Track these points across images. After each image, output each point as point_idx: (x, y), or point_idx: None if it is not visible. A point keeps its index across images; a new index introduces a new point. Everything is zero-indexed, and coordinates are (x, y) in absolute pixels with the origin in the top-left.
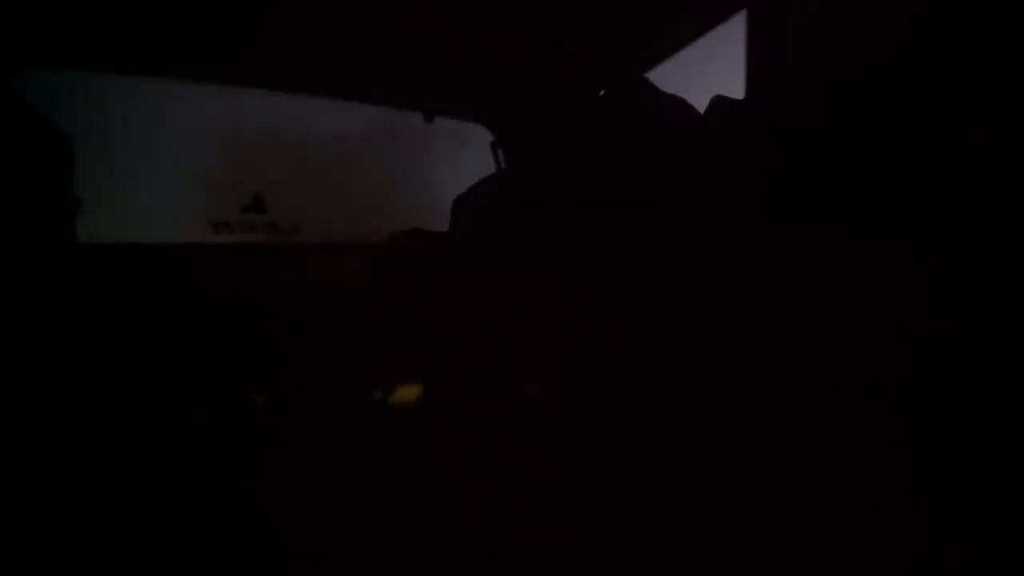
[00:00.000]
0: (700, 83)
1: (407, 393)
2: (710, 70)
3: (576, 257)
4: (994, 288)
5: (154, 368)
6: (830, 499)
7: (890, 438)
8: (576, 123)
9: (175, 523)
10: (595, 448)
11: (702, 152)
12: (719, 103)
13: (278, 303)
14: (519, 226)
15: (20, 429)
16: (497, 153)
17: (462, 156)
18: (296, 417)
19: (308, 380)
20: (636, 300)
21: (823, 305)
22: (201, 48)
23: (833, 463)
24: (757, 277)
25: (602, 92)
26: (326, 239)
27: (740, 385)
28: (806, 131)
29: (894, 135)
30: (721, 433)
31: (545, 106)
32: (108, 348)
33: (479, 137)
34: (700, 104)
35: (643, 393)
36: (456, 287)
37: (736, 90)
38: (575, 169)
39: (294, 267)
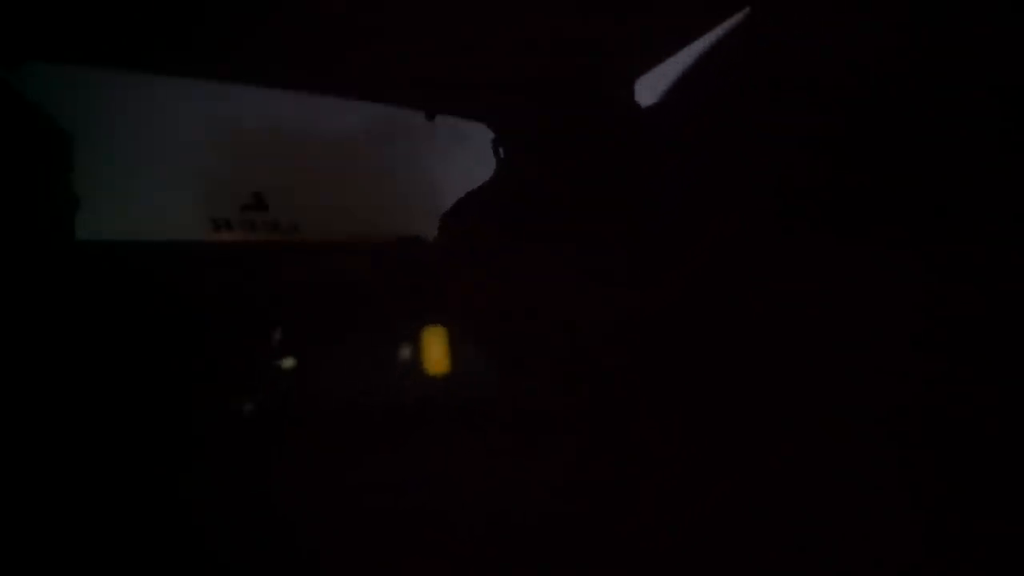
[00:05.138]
0: (700, 83)
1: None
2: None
3: (578, 258)
4: (994, 287)
5: (154, 366)
6: (832, 502)
7: (894, 442)
8: (577, 125)
9: (177, 523)
10: (596, 448)
11: (702, 154)
12: (719, 105)
13: (279, 301)
14: (522, 227)
15: (20, 427)
16: (499, 152)
17: (464, 155)
18: (297, 416)
19: (308, 379)
20: (637, 300)
21: (821, 304)
22: (202, 45)
23: (834, 464)
24: (756, 277)
25: (603, 93)
26: (326, 238)
27: (742, 385)
28: (806, 132)
29: (894, 136)
30: (722, 434)
31: (545, 107)
32: (108, 346)
33: (481, 136)
34: (701, 104)
35: (644, 393)
36: (457, 287)
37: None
38: (577, 171)
39: (295, 265)
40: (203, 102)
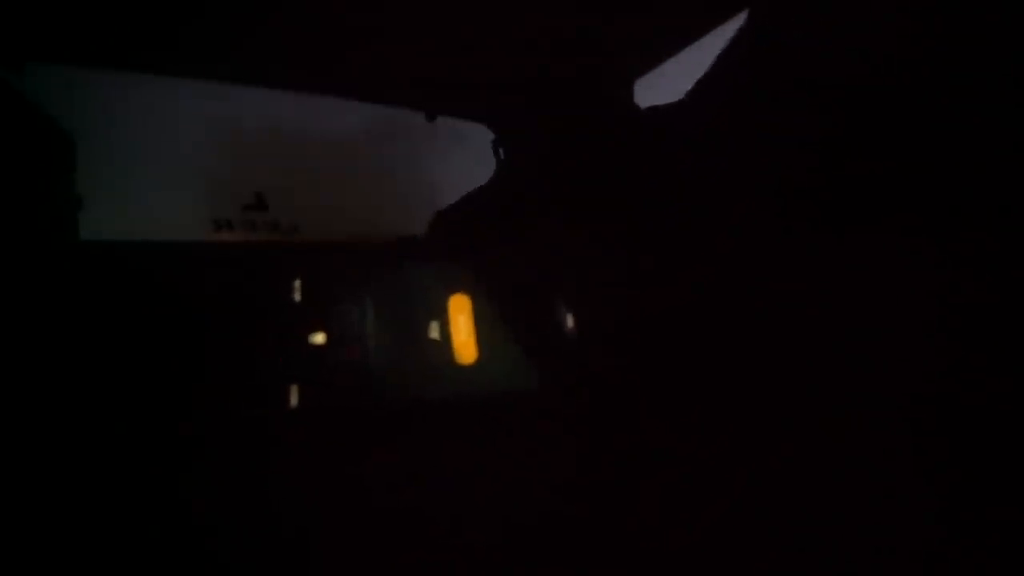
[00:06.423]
0: (700, 83)
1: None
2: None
3: (578, 258)
4: (996, 284)
5: (154, 366)
6: (845, 493)
7: (908, 431)
8: (577, 125)
9: (178, 524)
10: (596, 448)
11: (703, 153)
12: (719, 105)
13: (279, 301)
14: (522, 226)
15: (21, 427)
16: (499, 152)
17: (463, 156)
18: (296, 417)
19: (308, 379)
20: (637, 300)
21: (832, 295)
22: (202, 45)
23: (847, 455)
24: (760, 274)
25: (604, 93)
26: (326, 238)
27: (746, 383)
28: (807, 131)
29: (896, 134)
30: (725, 432)
31: (545, 107)
32: (109, 346)
33: (481, 137)
34: (701, 104)
35: (644, 393)
36: (457, 286)
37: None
38: (577, 171)
39: (295, 265)
40: (203, 102)
